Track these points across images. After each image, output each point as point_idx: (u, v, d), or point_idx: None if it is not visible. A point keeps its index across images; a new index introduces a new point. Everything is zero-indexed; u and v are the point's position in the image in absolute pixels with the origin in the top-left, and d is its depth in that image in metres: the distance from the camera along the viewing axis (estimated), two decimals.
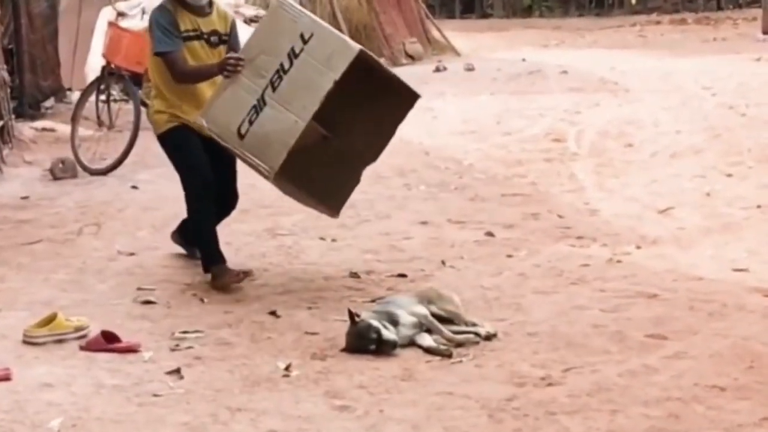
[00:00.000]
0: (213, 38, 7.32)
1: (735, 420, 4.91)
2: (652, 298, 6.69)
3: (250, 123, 6.79)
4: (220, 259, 7.17)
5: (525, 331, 6.15)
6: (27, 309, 6.61)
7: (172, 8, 7.22)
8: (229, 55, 7.04)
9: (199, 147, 7.18)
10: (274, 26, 6.88)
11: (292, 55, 6.74)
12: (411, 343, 5.91)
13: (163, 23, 7.16)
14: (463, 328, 6.10)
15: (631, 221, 8.68)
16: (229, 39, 7.39)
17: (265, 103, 6.77)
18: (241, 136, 6.80)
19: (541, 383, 5.38)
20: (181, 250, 7.79)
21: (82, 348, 5.93)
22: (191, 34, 7.22)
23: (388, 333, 5.84)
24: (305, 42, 6.71)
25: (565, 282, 7.11)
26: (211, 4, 7.37)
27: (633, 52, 20.35)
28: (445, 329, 5.99)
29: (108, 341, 5.93)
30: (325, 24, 6.99)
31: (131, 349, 5.90)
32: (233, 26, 7.48)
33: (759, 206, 8.88)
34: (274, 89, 6.75)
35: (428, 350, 5.87)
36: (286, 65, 6.75)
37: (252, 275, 7.07)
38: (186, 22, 7.21)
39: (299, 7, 6.97)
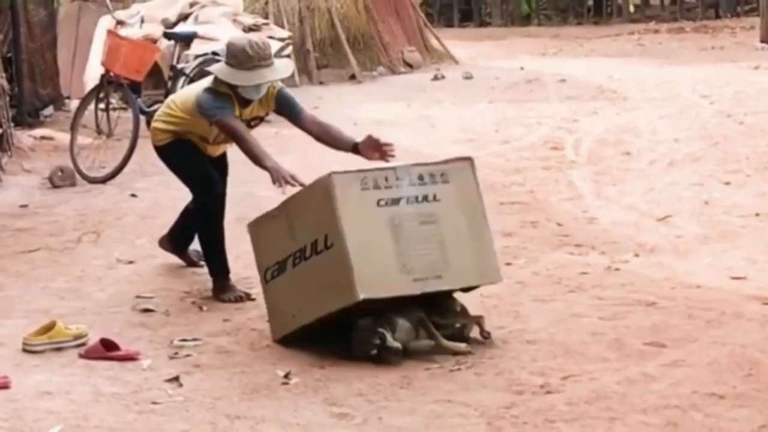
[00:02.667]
0: (254, 122, 7.11)
1: (733, 428, 4.91)
2: (651, 306, 6.70)
3: (272, 277, 6.23)
4: (226, 269, 7.17)
5: (524, 338, 6.15)
6: (26, 317, 6.62)
7: (230, 93, 6.86)
8: (292, 173, 6.52)
9: (204, 158, 7.17)
10: (315, 201, 6.01)
11: (313, 249, 5.99)
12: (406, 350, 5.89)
13: (221, 103, 6.80)
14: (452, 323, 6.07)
15: (629, 229, 8.69)
16: (279, 109, 7.08)
17: (284, 270, 6.15)
18: (266, 281, 6.31)
19: (539, 391, 5.39)
20: (177, 259, 7.79)
21: (81, 356, 5.93)
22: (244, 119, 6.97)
23: (392, 340, 5.82)
24: (326, 247, 5.91)
25: (564, 290, 7.12)
26: None
27: (631, 61, 20.36)
28: (440, 336, 5.98)
29: (107, 349, 5.94)
30: (348, 240, 5.85)
31: (130, 357, 5.90)
32: (279, 97, 7.05)
33: (757, 214, 8.89)
34: (294, 265, 6.08)
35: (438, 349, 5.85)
36: (307, 252, 6.01)
37: (253, 299, 6.98)
38: (236, 110, 6.89)
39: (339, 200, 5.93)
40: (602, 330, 6.26)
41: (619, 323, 6.38)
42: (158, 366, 5.79)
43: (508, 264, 7.72)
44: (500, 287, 7.04)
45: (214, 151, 7.28)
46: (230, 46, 6.88)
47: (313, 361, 5.81)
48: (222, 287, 7.09)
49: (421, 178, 6.04)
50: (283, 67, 7.11)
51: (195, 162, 7.14)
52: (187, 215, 7.55)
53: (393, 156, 6.78)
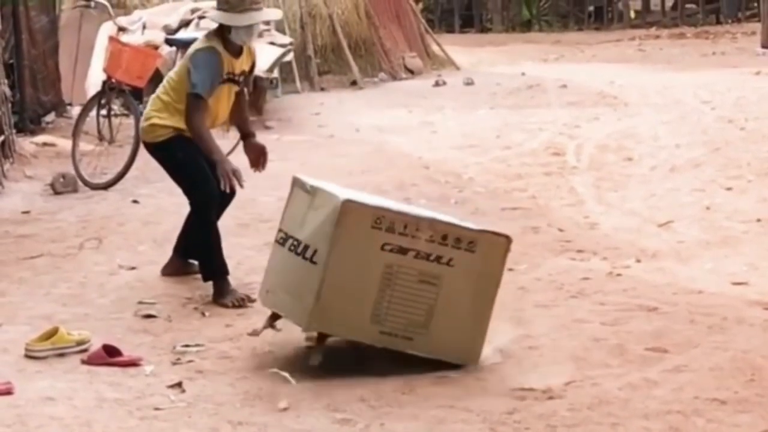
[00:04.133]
0: (241, 78, 7.36)
1: None
2: (652, 312, 6.70)
3: (278, 241, 6.13)
4: (225, 269, 7.19)
5: (526, 344, 6.16)
6: (28, 323, 6.63)
7: (221, 51, 7.18)
8: (234, 168, 7.00)
9: (203, 158, 7.21)
10: (326, 212, 5.83)
11: (304, 250, 5.86)
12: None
13: (213, 66, 7.11)
14: None
15: (630, 235, 8.69)
16: (245, 77, 7.42)
17: (284, 244, 6.04)
18: (275, 240, 6.19)
19: (542, 396, 5.40)
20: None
21: (83, 362, 5.94)
22: (227, 77, 7.22)
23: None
24: (311, 260, 5.80)
25: (566, 295, 7.12)
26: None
27: (632, 66, 20.35)
28: None
29: (109, 355, 5.95)
30: (330, 271, 5.72)
31: (133, 363, 5.91)
32: (253, 65, 7.53)
33: (758, 220, 8.89)
34: (289, 249, 5.99)
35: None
36: (299, 249, 5.87)
37: (253, 301, 6.99)
38: (226, 65, 7.19)
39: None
40: (604, 335, 6.26)
41: (621, 329, 6.39)
42: (161, 372, 5.80)
43: (510, 270, 7.71)
44: (502, 293, 7.02)
45: None
46: None
47: (315, 367, 5.81)
48: (221, 291, 7.10)
49: (444, 238, 5.73)
50: (273, 11, 7.86)
51: (197, 160, 7.19)
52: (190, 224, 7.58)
53: (261, 170, 7.37)
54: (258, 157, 7.46)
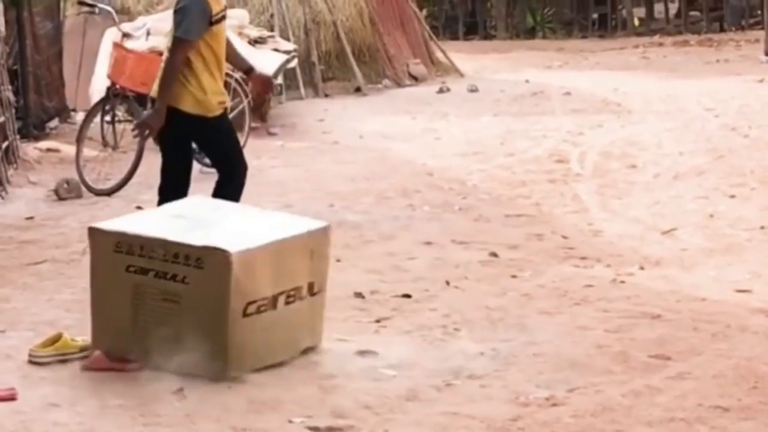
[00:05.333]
0: (221, 19, 7.71)
1: None
2: (656, 319, 6.70)
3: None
4: None
5: (530, 351, 6.15)
6: (32, 329, 6.62)
7: None
8: (154, 129, 7.61)
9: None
10: None
11: None
12: None
13: (196, 10, 7.45)
14: None
15: (634, 242, 8.70)
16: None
17: None
18: None
19: (545, 403, 5.40)
20: None
21: (85, 368, 5.93)
22: (220, 16, 7.61)
23: None
24: None
25: (569, 302, 7.12)
26: None
27: (636, 74, 20.35)
28: None
29: (111, 360, 5.94)
30: (93, 293, 6.13)
31: (133, 368, 5.89)
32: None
33: (762, 227, 8.90)
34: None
35: None
36: None
37: None
38: (215, 5, 7.56)
39: None
40: (608, 342, 6.26)
41: (625, 336, 6.39)
42: (163, 378, 5.78)
43: (514, 276, 7.73)
44: (506, 300, 7.07)
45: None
46: None
47: (320, 373, 5.82)
48: None
49: (176, 256, 5.80)
50: None
51: (235, 138, 7.96)
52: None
53: (272, 93, 8.18)
54: (265, 86, 8.44)
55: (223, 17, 7.65)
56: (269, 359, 5.94)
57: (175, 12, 7.50)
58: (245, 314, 5.80)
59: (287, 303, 6.01)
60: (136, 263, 5.87)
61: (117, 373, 5.82)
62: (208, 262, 5.75)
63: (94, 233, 6.04)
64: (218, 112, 7.65)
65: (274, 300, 5.94)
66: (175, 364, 5.77)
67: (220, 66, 7.68)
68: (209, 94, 7.54)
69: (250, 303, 5.81)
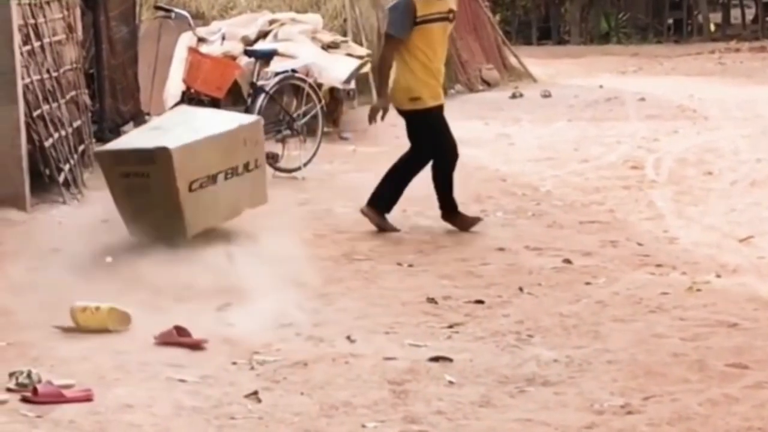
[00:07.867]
0: (451, 15, 8.92)
1: None
2: (733, 327, 6.62)
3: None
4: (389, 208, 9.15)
5: (604, 359, 6.10)
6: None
7: None
8: (381, 116, 9.11)
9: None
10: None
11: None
12: None
13: (401, 8, 8.69)
14: None
15: (710, 250, 8.61)
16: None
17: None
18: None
19: (620, 411, 5.35)
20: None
21: (155, 339, 6.33)
22: (431, 17, 8.71)
23: None
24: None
25: (644, 310, 7.06)
26: None
27: (712, 80, 20.21)
28: None
29: (179, 335, 6.34)
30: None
31: (198, 344, 6.30)
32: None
33: None
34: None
35: None
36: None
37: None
38: (426, 7, 8.67)
39: None
40: (684, 351, 6.20)
41: (701, 344, 6.32)
42: (238, 380, 5.81)
43: (588, 283, 7.68)
44: (580, 307, 7.02)
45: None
46: None
47: (392, 378, 5.80)
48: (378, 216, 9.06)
49: (140, 159, 8.04)
50: None
51: (447, 131, 9.15)
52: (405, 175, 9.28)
53: None
54: None
55: (439, 19, 8.73)
56: (214, 221, 8.24)
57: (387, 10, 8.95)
58: (191, 189, 7.97)
59: (226, 178, 8.17)
60: (122, 169, 8.17)
61: (191, 374, 5.84)
62: (158, 158, 7.93)
63: (98, 155, 8.87)
64: (406, 107, 8.96)
65: (214, 177, 8.09)
66: (153, 228, 7.84)
67: (428, 64, 8.79)
68: (396, 90, 8.89)
69: (193, 182, 7.98)
